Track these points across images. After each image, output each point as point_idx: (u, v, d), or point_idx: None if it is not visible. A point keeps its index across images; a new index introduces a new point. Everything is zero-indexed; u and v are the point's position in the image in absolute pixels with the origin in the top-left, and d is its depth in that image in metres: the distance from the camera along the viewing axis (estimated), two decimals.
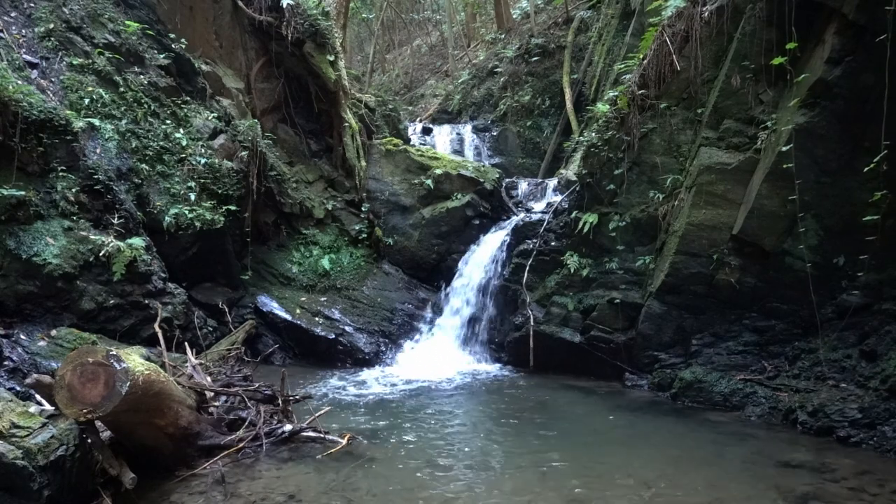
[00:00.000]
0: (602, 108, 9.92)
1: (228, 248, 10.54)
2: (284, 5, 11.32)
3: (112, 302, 8.03)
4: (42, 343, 7.05)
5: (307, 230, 12.03)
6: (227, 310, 9.96)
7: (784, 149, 7.38)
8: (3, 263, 7.27)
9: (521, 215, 12.22)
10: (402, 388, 9.07)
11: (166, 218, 9.26)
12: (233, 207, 10.22)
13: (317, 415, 6.34)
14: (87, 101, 8.74)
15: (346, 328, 10.88)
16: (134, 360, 4.47)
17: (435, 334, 11.39)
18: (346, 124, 12.74)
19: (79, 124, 8.22)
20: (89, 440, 4.54)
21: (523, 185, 13.78)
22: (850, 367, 7.03)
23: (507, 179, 13.86)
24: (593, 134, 9.98)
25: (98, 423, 4.63)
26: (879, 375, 6.56)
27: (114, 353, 4.29)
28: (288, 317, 10.71)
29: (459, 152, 16.49)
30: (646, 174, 9.38)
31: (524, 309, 10.31)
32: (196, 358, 7.10)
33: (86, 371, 4.19)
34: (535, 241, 10.80)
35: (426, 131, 17.40)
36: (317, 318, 10.88)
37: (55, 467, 4.21)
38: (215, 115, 10.70)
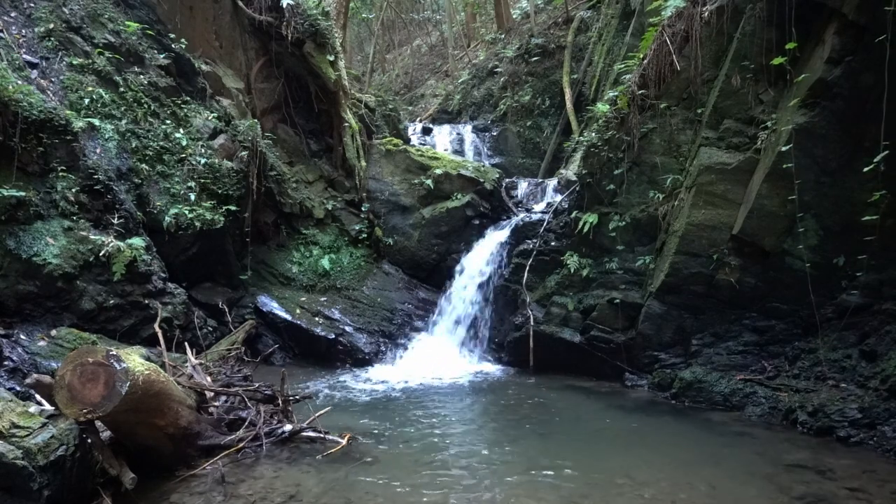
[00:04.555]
0: (602, 108, 9.92)
1: (228, 248, 10.55)
2: (284, 5, 11.32)
3: (112, 302, 8.04)
4: (42, 343, 7.05)
5: (307, 230, 12.03)
6: (227, 310, 9.97)
7: (784, 149, 7.38)
8: (3, 263, 7.27)
9: (521, 215, 12.22)
10: (402, 387, 9.07)
11: (166, 218, 9.27)
12: (233, 207, 10.22)
13: (317, 415, 6.33)
14: (87, 101, 8.74)
15: (346, 328, 10.88)
16: (134, 360, 4.47)
17: (435, 334, 11.38)
18: (346, 124, 12.74)
19: (79, 124, 8.22)
20: (89, 440, 4.54)
21: (523, 185, 13.77)
22: (850, 367, 7.03)
23: (507, 179, 13.85)
24: (593, 134, 9.98)
25: (98, 423, 4.63)
26: (879, 375, 6.56)
27: (114, 353, 4.28)
28: (288, 317, 10.71)
29: (459, 152, 16.48)
30: (646, 174, 9.38)
31: (524, 309, 10.31)
32: (196, 358, 7.10)
33: (86, 371, 4.19)
34: (535, 241, 10.79)
35: (426, 131, 17.39)
36: (317, 318, 10.88)
37: (55, 467, 4.20)
38: (215, 115, 10.69)
